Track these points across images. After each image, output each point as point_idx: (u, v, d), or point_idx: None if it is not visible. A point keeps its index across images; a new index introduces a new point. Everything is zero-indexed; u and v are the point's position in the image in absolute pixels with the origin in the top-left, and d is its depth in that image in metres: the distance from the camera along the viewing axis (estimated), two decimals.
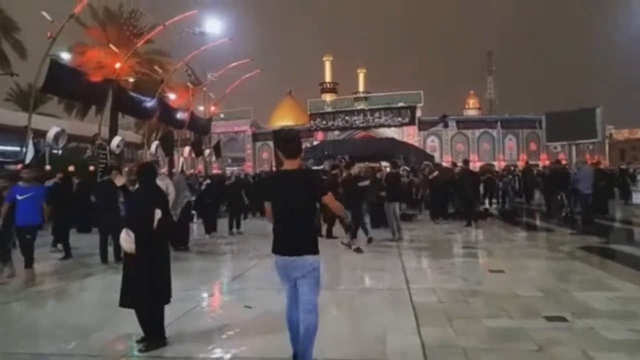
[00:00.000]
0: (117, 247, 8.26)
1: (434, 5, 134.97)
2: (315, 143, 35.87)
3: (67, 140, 25.12)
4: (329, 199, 3.66)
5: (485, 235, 10.81)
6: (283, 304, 3.66)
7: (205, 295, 5.96)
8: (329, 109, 41.65)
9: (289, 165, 3.66)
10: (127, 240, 4.08)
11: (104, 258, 8.32)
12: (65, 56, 17.53)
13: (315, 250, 3.52)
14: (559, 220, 12.40)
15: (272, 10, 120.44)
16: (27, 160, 15.39)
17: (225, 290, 6.50)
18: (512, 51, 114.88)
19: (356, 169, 9.88)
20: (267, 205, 3.68)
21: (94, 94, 19.02)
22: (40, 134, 18.03)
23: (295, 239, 3.51)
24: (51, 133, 17.92)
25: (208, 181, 11.84)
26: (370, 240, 9.33)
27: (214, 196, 11.30)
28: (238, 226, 11.70)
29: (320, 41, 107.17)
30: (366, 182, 9.98)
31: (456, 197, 13.12)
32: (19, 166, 17.69)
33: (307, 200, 3.63)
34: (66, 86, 17.09)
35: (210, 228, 11.39)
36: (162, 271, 4.19)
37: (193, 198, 10.57)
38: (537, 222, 13.53)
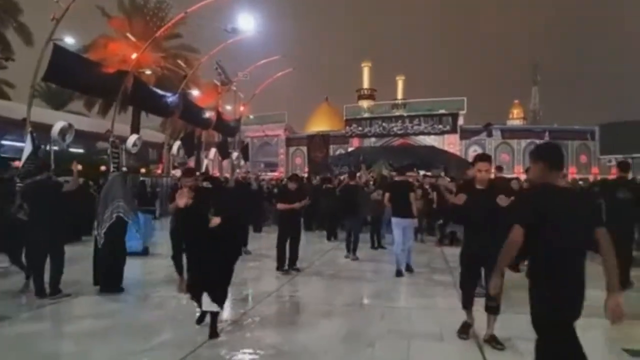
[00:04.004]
0: (56, 272, 6.22)
1: (478, 13, 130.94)
2: (350, 149, 33.96)
3: (89, 138, 24.03)
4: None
5: None
6: None
7: None
8: (366, 115, 39.42)
9: (398, 178, 9.01)
10: None
11: (39, 289, 6.22)
12: (70, 41, 15.69)
13: (413, 216, 8.44)
14: None
15: (311, 14, 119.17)
16: (24, 157, 13.73)
17: None
18: (559, 60, 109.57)
19: (363, 177, 10.58)
20: (387, 194, 8.62)
21: (105, 86, 17.23)
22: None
23: (405, 210, 8.13)
24: (56, 128, 16.26)
25: (207, 184, 9.59)
26: (353, 257, 9.71)
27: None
28: (244, 244, 9.46)
29: (359, 47, 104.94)
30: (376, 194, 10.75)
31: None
32: (16, 163, 16.24)
33: (409, 193, 8.29)
34: (72, 75, 15.31)
35: None
36: None
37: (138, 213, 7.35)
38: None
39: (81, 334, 5.08)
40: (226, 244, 5.06)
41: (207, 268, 4.85)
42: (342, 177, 17.79)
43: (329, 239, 12.96)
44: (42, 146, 15.73)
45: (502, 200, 4.55)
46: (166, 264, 7.47)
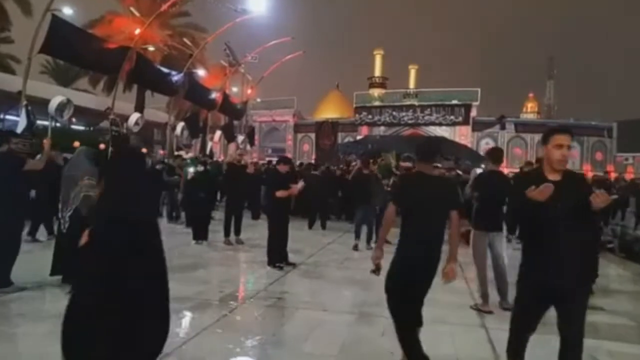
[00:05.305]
0: (6, 259, 5.57)
1: (495, 3, 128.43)
2: (358, 138, 33.24)
3: (91, 116, 23.40)
4: None
5: (604, 281, 7.38)
6: None
7: None
8: (377, 103, 38.57)
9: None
10: None
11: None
12: (68, 12, 14.98)
13: None
14: None
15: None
16: (19, 130, 13.17)
17: None
18: (576, 55, 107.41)
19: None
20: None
21: (106, 61, 16.52)
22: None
23: None
24: (53, 103, 15.65)
25: (200, 168, 8.95)
26: (368, 247, 9.44)
27: (207, 189, 8.42)
28: (237, 232, 8.81)
29: (372, 34, 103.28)
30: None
31: None
32: None
33: None
34: (71, 48, 14.57)
35: (201, 234, 8.52)
36: None
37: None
38: None
39: (19, 335, 4.39)
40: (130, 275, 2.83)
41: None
42: (353, 163, 17.32)
43: (316, 226, 12.70)
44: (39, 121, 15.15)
45: (600, 199, 2.87)
46: None
